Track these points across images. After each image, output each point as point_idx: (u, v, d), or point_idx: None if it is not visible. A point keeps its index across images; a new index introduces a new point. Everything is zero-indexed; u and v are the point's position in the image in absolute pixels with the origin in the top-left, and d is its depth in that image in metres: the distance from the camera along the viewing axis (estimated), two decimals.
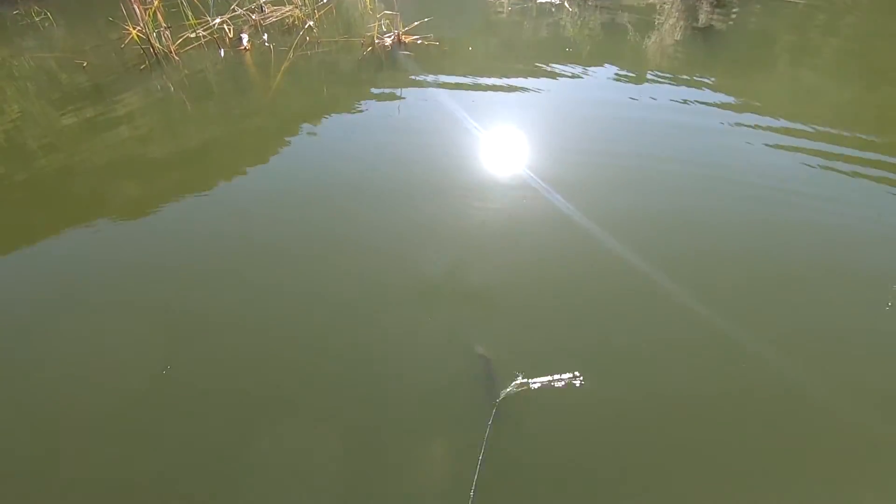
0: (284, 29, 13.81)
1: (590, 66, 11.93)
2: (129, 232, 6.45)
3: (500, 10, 15.80)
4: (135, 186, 7.55)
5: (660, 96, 10.24)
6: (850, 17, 14.66)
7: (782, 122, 8.92)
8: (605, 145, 8.28)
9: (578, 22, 14.67)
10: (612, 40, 13.92)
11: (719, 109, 9.64)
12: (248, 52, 12.41)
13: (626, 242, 5.57)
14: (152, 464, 3.71)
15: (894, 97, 10.17)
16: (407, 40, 12.94)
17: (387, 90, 10.45)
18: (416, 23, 12.96)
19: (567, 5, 16.07)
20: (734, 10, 15.19)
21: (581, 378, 3.69)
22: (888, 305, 4.23)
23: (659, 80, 11.28)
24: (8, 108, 9.96)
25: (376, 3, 15.22)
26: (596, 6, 15.88)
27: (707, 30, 14.14)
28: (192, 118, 9.82)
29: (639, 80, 11.28)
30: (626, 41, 13.64)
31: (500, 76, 11.26)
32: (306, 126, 9.13)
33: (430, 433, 3.66)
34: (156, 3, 11.80)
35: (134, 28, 11.84)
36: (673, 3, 15.88)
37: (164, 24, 12.06)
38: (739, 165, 7.36)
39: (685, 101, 9.93)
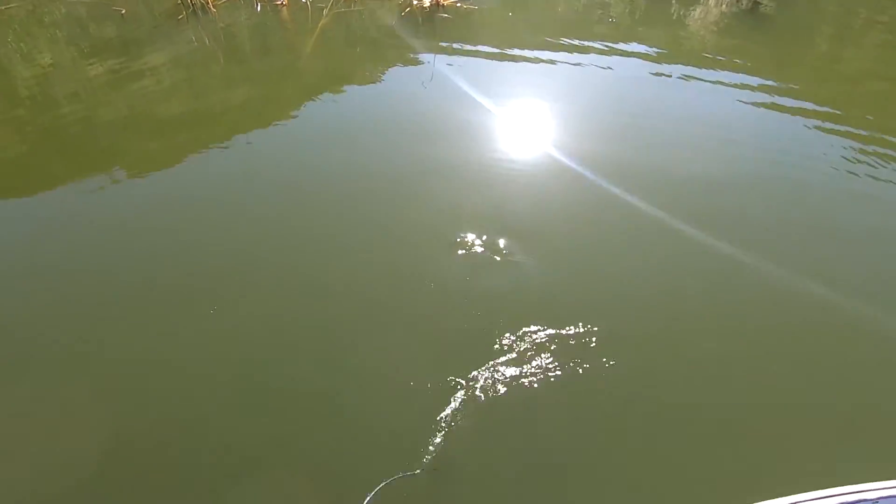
0: None
1: (628, 41, 11.06)
2: (141, 184, 6.37)
3: None
4: (153, 140, 7.44)
5: (691, 73, 9.45)
6: None
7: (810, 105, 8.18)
8: (632, 119, 7.78)
9: None
10: (655, 12, 12.92)
11: (757, 92, 8.81)
12: (284, 7, 12.07)
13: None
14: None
15: None
16: (446, 3, 12.36)
17: (421, 54, 10.00)
18: None
19: None
20: None
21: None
22: None
23: (696, 56, 10.38)
24: (39, 56, 9.96)
25: None
26: None
27: (753, 9, 12.97)
28: (221, 73, 9.61)
29: (674, 57, 10.40)
30: (670, 15, 12.66)
31: (535, 47, 10.55)
32: (335, 86, 8.80)
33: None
34: None
35: None
36: None
37: None
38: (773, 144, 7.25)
39: (717, 82, 9.10)
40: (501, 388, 3.94)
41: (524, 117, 8.14)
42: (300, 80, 9.50)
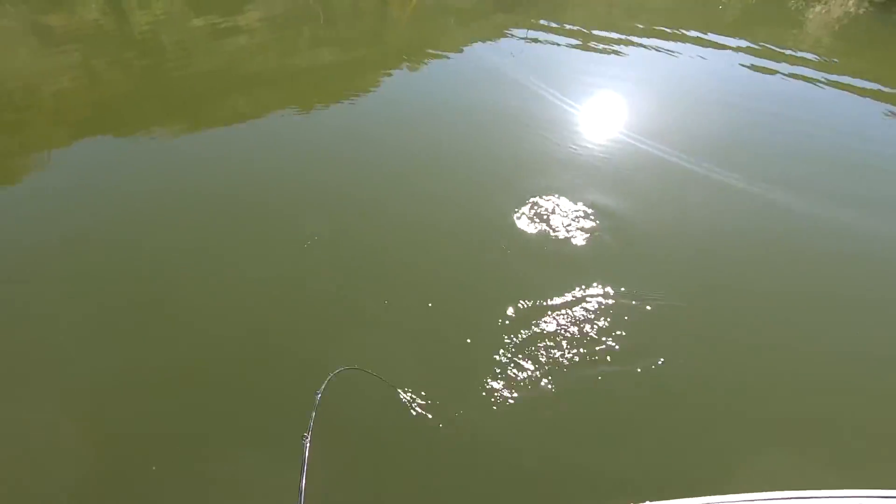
0: None
1: (733, 35, 10.09)
2: (223, 133, 6.79)
3: None
4: (240, 92, 7.89)
5: (801, 72, 8.45)
6: None
7: None
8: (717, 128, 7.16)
9: None
10: (772, 2, 11.65)
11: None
12: None
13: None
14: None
15: None
16: None
17: (513, 28, 9.78)
18: None
19: None
20: None
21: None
22: None
23: (808, 57, 9.24)
24: (155, 3, 10.81)
25: None
26: None
27: (887, 5, 11.23)
28: (311, 35, 9.98)
29: (780, 55, 9.33)
30: (787, 7, 11.34)
31: (628, 32, 9.97)
32: (419, 56, 8.86)
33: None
34: None
35: None
36: None
37: None
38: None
39: (816, 82, 8.07)
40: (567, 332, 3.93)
41: (607, 101, 7.78)
42: (387, 48, 9.62)
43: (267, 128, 6.91)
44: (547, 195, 5.50)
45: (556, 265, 4.74)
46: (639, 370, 3.85)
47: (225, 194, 5.50)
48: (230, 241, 4.89)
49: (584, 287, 4.47)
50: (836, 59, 9.37)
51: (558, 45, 9.52)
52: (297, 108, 7.38)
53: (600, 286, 4.48)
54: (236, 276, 4.52)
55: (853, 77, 8.72)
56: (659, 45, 9.57)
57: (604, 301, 4.36)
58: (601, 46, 9.60)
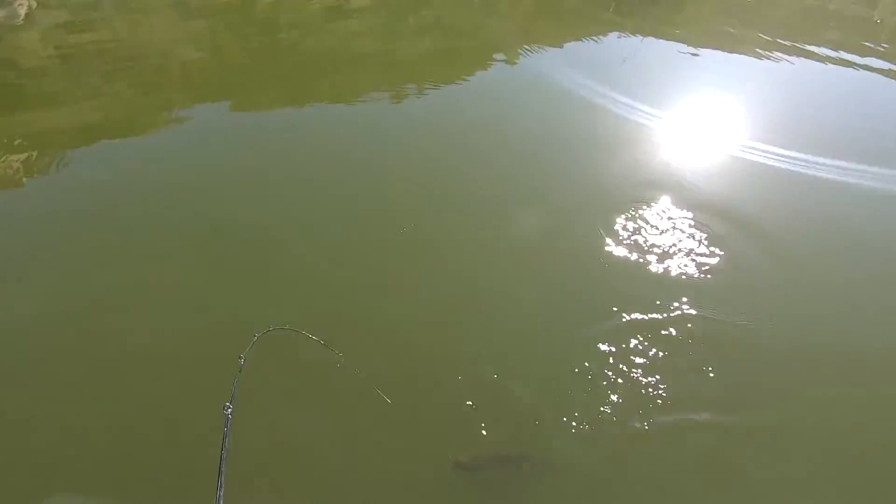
0: None
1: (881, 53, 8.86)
2: (323, 110, 7.15)
3: None
4: (339, 76, 8.24)
5: None
6: None
7: None
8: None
9: None
10: None
11: None
12: None
13: None
14: None
15: None
16: None
17: (624, 33, 9.35)
18: None
19: None
20: None
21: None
22: None
23: None
24: None
25: None
26: None
27: None
28: (417, 24, 10.19)
29: None
30: None
31: (752, 42, 9.13)
32: (515, 53, 8.77)
33: None
34: None
35: None
36: None
37: None
38: None
39: None
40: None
41: (725, 112, 7.25)
42: (488, 40, 9.58)
43: (360, 110, 7.17)
44: (667, 207, 5.24)
45: (648, 272, 4.49)
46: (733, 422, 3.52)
47: (312, 166, 5.81)
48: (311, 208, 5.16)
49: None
50: None
51: (673, 51, 8.95)
52: (390, 92, 7.56)
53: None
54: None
55: None
56: (786, 56, 8.69)
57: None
58: (721, 55, 8.89)
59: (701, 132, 6.93)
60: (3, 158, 6.00)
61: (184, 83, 7.80)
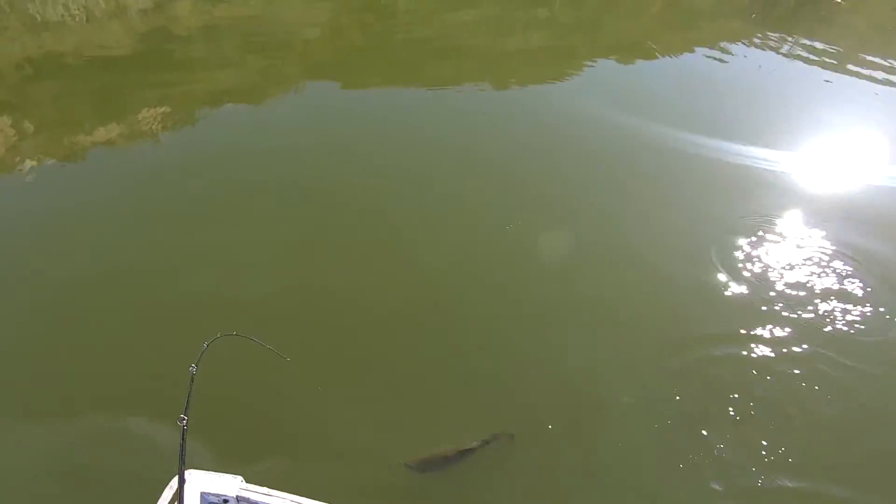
0: None
1: None
2: (418, 93, 7.34)
3: None
4: (446, 64, 8.38)
5: None
6: None
7: None
8: None
9: None
10: None
11: None
12: None
13: None
14: None
15: None
16: None
17: (758, 38, 8.56)
18: None
19: None
20: None
21: None
22: None
23: None
24: None
25: None
26: None
27: None
28: (530, 18, 10.10)
29: None
30: None
31: None
32: (629, 54, 8.37)
33: None
34: None
35: None
36: None
37: None
38: None
39: None
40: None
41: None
42: (600, 39, 9.25)
43: (459, 97, 7.25)
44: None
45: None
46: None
47: (413, 148, 5.98)
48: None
49: None
50: None
51: (816, 66, 8.05)
52: (491, 83, 7.55)
53: None
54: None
55: None
56: None
57: None
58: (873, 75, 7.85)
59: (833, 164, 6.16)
60: (147, 112, 6.84)
61: (304, 59, 8.37)
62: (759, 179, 5.50)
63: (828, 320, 3.97)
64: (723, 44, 8.61)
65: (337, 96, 7.22)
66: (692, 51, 8.57)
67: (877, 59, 8.35)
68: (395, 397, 3.40)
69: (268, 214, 4.93)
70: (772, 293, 4.17)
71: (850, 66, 8.15)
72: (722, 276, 4.29)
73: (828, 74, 7.95)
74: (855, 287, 4.24)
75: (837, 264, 4.43)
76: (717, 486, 2.98)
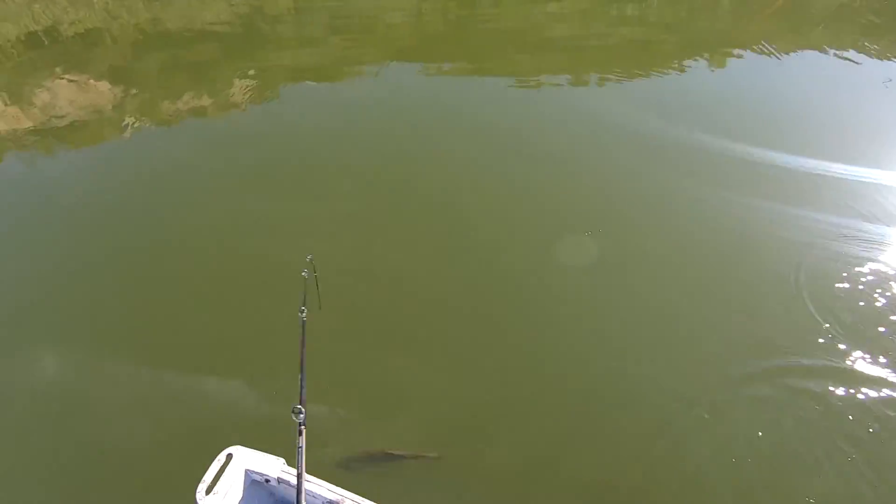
0: None
1: None
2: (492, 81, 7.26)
3: None
4: (525, 55, 8.22)
5: None
6: None
7: None
8: None
9: None
10: None
11: None
12: None
13: None
14: None
15: None
16: None
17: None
18: None
19: None
20: None
21: None
22: None
23: None
24: None
25: None
26: None
27: None
28: (619, 13, 9.69)
29: None
30: None
31: None
32: (723, 53, 7.78)
33: None
34: None
35: None
36: None
37: None
38: None
39: None
40: None
41: None
42: (696, 37, 8.68)
43: (536, 92, 7.08)
44: None
45: None
46: None
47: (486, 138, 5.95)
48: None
49: None
50: None
51: None
52: (570, 77, 7.31)
53: None
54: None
55: None
56: None
57: None
58: None
59: None
60: (237, 85, 7.27)
61: (385, 43, 8.53)
62: (867, 199, 4.92)
63: None
64: (833, 50, 7.80)
65: (414, 81, 7.30)
66: (802, 51, 7.86)
67: None
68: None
69: (336, 190, 5.09)
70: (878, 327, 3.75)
71: None
72: (813, 302, 3.91)
73: None
74: None
75: None
76: None
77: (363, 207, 4.88)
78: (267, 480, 2.47)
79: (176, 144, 6.24)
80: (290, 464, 2.48)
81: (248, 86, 7.15)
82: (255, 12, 9.43)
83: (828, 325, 3.71)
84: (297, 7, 9.49)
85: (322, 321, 2.38)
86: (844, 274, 4.11)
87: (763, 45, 7.85)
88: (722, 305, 3.95)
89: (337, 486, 2.41)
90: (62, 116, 6.67)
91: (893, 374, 3.41)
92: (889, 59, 7.61)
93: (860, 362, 3.48)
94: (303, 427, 2.10)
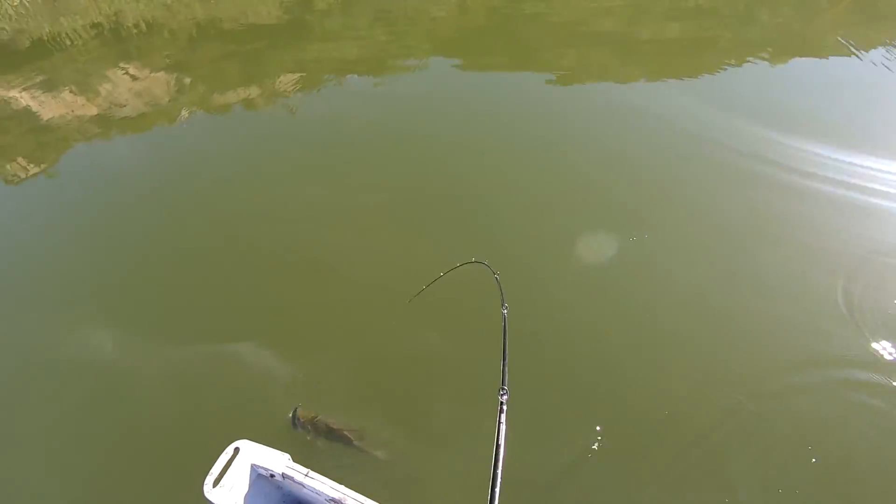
0: None
1: None
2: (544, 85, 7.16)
3: None
4: (570, 50, 8.05)
5: None
6: None
7: None
8: None
9: None
10: None
11: None
12: None
13: None
14: None
15: None
16: None
17: None
18: None
19: None
20: None
21: None
22: None
23: None
24: None
25: None
26: None
27: None
28: (670, 7, 9.33)
29: None
30: None
31: None
32: (790, 54, 7.34)
33: None
34: None
35: None
36: None
37: None
38: None
39: None
40: None
41: None
42: (750, 34, 8.26)
43: (579, 90, 6.94)
44: None
45: None
46: None
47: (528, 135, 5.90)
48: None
49: None
50: None
51: None
52: (617, 74, 7.12)
53: None
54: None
55: None
56: None
57: None
58: None
59: None
60: (285, 76, 7.48)
61: (428, 36, 8.57)
62: None
63: None
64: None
65: (455, 77, 7.30)
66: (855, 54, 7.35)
67: None
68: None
69: (371, 184, 5.15)
70: None
71: None
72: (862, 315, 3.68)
73: None
74: None
75: None
76: None
77: (389, 200, 4.92)
78: (272, 475, 2.50)
79: (224, 133, 6.51)
80: (295, 459, 2.53)
81: (295, 78, 7.35)
82: (303, 6, 9.66)
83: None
84: (344, 1, 9.66)
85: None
86: None
87: (839, 41, 7.39)
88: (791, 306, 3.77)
89: (339, 484, 2.42)
90: (122, 105, 7.08)
91: None
92: None
93: None
94: (504, 406, 2.07)
